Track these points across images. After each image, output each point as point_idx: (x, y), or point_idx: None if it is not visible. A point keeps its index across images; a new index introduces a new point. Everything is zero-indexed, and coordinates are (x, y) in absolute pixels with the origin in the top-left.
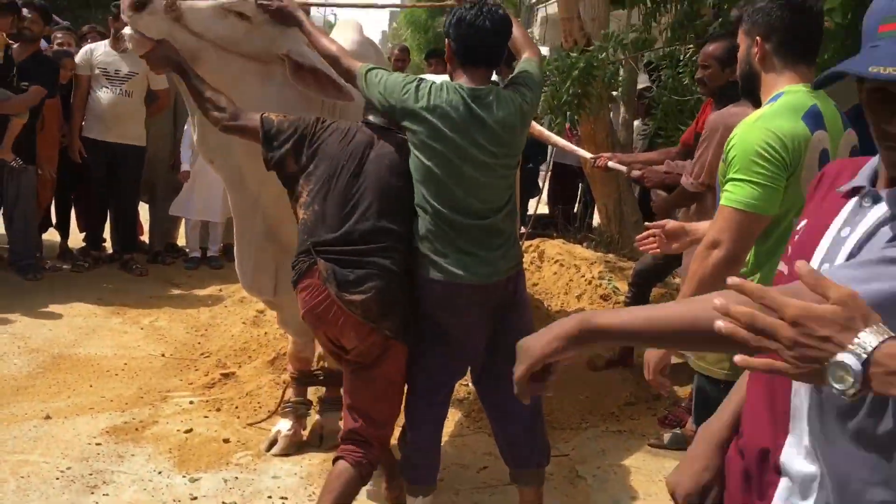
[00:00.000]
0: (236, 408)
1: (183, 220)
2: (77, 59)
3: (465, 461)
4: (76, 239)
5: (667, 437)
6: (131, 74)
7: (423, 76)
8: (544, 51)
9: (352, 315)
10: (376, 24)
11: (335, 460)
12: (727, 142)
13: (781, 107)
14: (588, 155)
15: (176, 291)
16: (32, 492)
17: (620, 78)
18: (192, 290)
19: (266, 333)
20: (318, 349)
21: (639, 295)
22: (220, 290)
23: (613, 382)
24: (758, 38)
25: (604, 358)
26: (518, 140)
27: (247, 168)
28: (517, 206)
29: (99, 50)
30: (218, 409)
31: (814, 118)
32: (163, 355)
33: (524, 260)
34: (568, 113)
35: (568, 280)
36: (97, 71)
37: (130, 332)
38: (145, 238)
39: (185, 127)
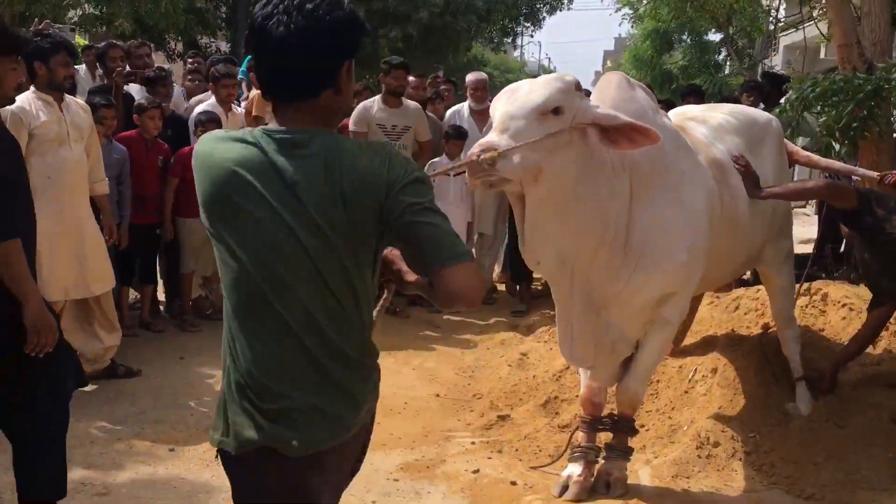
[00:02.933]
0: (516, 450)
1: None
2: (353, 116)
3: None
4: None
5: None
6: (406, 129)
7: None
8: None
9: None
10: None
11: None
12: None
13: None
14: (873, 174)
15: (437, 334)
16: None
17: None
18: (452, 332)
19: (534, 377)
20: (610, 393)
21: None
22: (480, 333)
23: None
24: None
25: None
26: (366, 216)
27: (570, 252)
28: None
29: (374, 107)
30: (499, 451)
31: None
32: (437, 395)
33: (802, 303)
34: (849, 138)
35: (860, 326)
36: (375, 127)
37: (404, 372)
38: None
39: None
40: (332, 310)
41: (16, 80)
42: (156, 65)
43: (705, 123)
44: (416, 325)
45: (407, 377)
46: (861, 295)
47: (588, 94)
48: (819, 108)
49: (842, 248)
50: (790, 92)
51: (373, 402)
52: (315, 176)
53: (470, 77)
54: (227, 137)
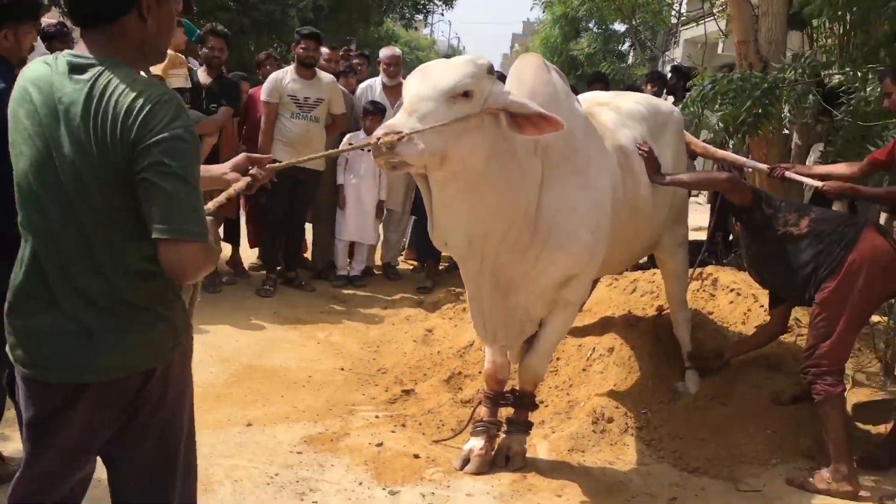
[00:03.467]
0: (420, 424)
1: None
2: (265, 86)
3: (653, 491)
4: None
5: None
6: (319, 101)
7: None
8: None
9: None
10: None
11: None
12: None
13: None
14: (764, 166)
15: (342, 308)
16: (247, 496)
17: (809, 101)
18: (357, 307)
19: (438, 353)
20: (513, 370)
21: None
22: (385, 308)
23: (803, 419)
24: None
25: (789, 393)
26: (115, 158)
27: (479, 235)
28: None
29: (287, 78)
30: (403, 425)
31: None
32: (342, 369)
33: (694, 287)
34: (744, 133)
35: (746, 310)
36: (286, 98)
37: (308, 345)
38: (308, 255)
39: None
40: (80, 243)
41: (31, 42)
42: (53, 21)
43: (614, 109)
44: (321, 299)
45: (311, 350)
46: (748, 281)
47: (502, 77)
48: (718, 104)
49: (731, 237)
50: (692, 89)
51: (137, 360)
52: (78, 104)
53: (384, 52)
54: (45, 59)
